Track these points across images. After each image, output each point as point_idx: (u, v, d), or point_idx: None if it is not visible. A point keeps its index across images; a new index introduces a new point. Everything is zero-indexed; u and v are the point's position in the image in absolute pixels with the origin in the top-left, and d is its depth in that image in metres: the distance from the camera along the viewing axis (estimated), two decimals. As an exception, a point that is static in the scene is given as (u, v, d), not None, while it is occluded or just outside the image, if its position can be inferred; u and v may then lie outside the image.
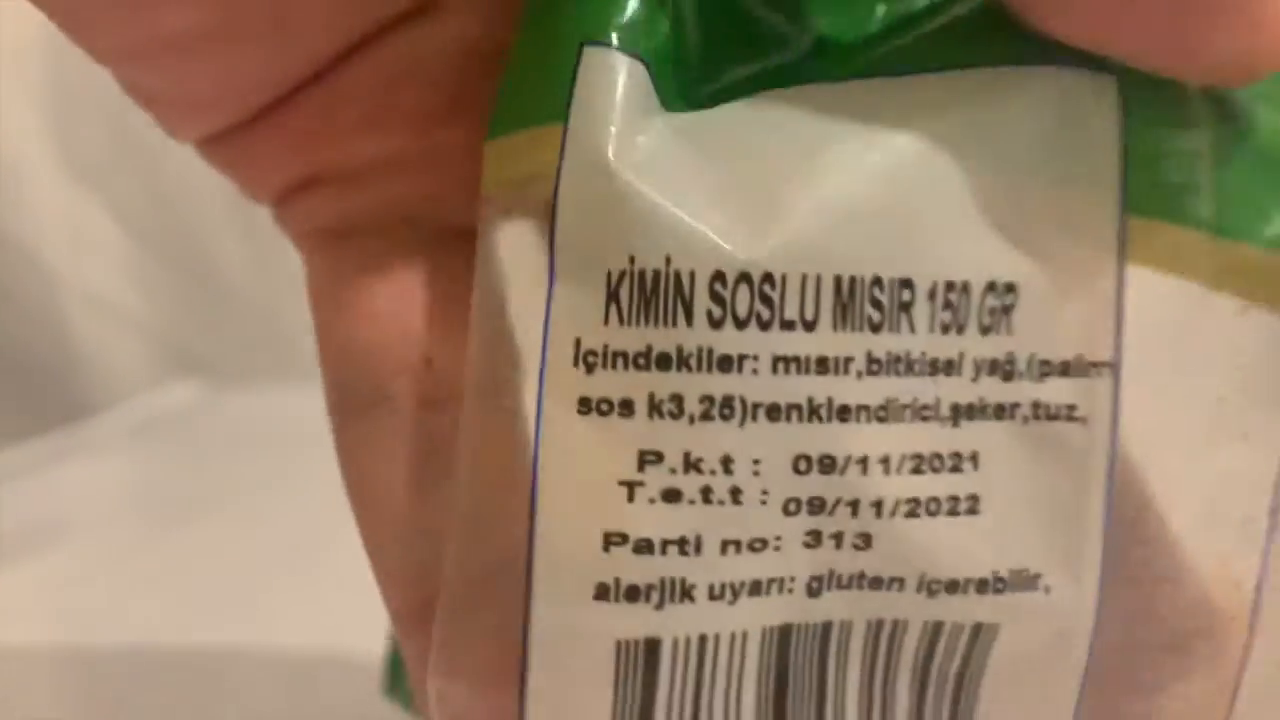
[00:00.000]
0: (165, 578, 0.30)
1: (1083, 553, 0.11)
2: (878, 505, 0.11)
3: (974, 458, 0.11)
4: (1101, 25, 0.10)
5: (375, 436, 0.12)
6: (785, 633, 0.11)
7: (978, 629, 0.11)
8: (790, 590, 0.11)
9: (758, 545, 0.11)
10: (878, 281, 0.11)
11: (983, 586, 0.11)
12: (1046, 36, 0.10)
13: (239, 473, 0.37)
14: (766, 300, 0.11)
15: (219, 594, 0.28)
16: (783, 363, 0.11)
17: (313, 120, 0.12)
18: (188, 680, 0.25)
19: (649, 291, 0.11)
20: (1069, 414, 0.11)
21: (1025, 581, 0.11)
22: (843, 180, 0.11)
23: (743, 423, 0.11)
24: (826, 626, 0.11)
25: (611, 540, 0.11)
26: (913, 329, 0.11)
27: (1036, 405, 0.11)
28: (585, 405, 0.11)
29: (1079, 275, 0.11)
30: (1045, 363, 0.11)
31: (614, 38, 0.11)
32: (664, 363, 0.11)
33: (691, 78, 0.12)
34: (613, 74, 0.11)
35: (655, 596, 0.11)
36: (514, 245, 0.11)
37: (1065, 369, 0.11)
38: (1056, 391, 0.11)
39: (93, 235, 0.45)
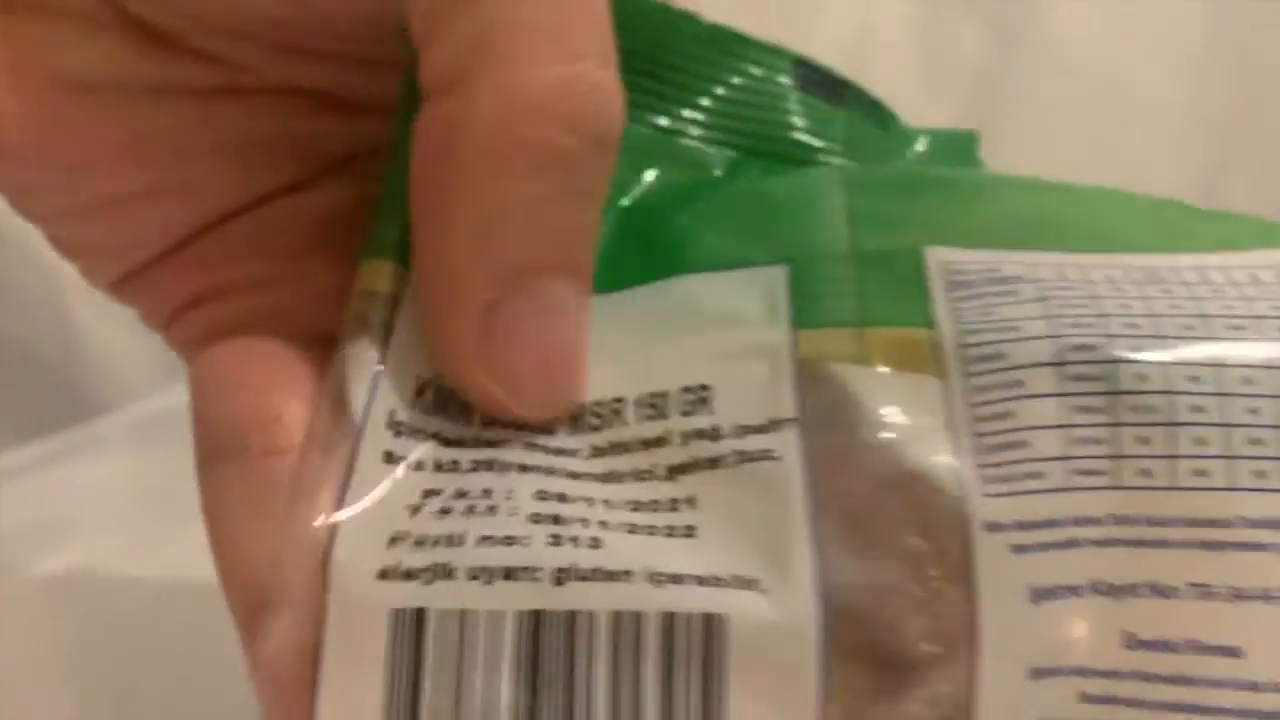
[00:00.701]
0: (168, 578, 0.30)
1: (791, 560, 0.14)
2: (603, 523, 0.14)
3: (690, 500, 0.14)
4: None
5: (231, 478, 0.15)
6: (536, 616, 0.13)
7: (708, 619, 0.13)
8: (539, 579, 0.13)
9: (509, 541, 0.14)
10: (598, 403, 0.15)
11: (703, 581, 0.13)
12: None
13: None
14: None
15: (222, 594, 0.28)
16: (532, 446, 0.15)
17: (207, 258, 0.17)
18: (189, 680, 0.25)
19: (445, 395, 0.15)
20: (767, 455, 0.14)
21: (744, 584, 0.14)
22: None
23: (500, 474, 0.14)
24: (572, 614, 0.13)
25: (396, 539, 0.14)
26: (624, 423, 0.15)
27: (740, 453, 0.14)
28: (389, 457, 0.15)
29: (761, 375, 0.15)
30: (744, 427, 0.15)
31: None
32: (448, 442, 0.15)
33: None
34: None
35: (425, 576, 0.13)
36: (361, 339, 0.15)
37: (762, 429, 0.15)
38: (756, 442, 0.14)
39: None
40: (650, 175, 0.19)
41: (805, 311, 0.16)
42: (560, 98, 0.14)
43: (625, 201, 0.19)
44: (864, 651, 0.14)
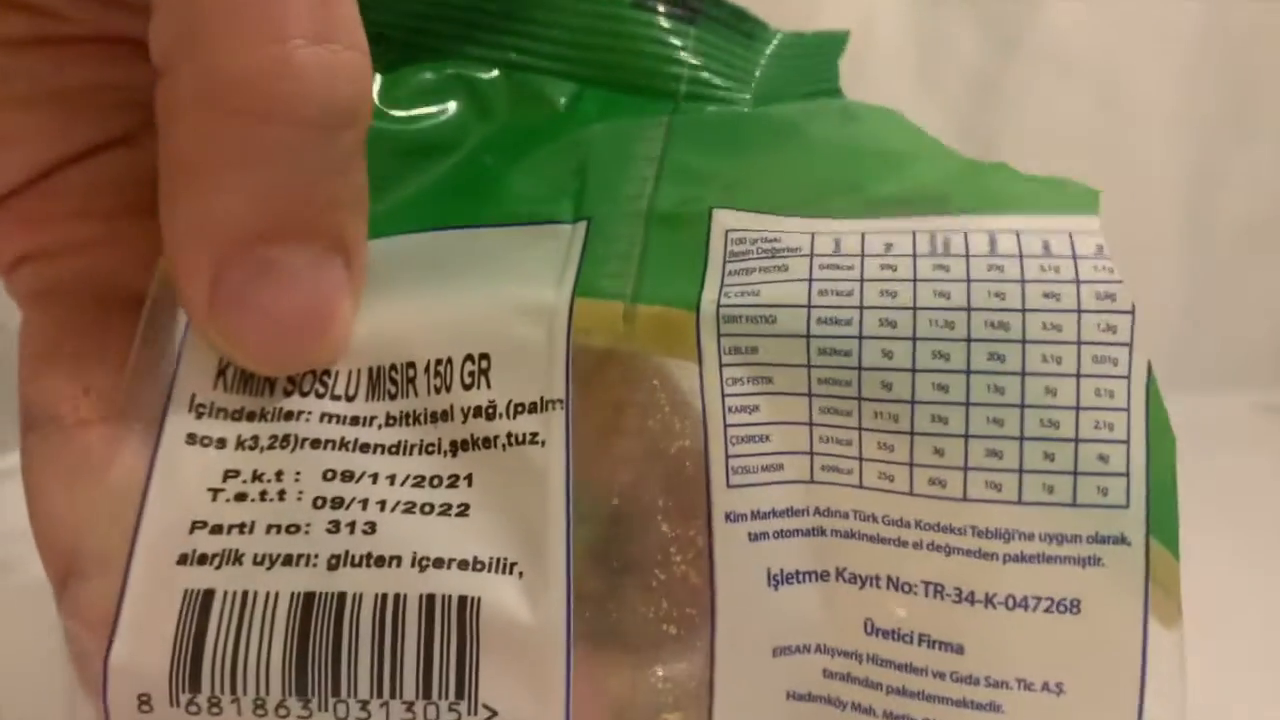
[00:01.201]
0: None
1: (547, 543, 0.15)
2: (382, 504, 0.15)
3: (469, 477, 0.15)
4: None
5: (44, 447, 0.16)
6: (309, 598, 0.14)
7: (463, 600, 0.14)
8: (314, 564, 0.15)
9: (292, 528, 0.15)
10: (394, 366, 0.16)
11: (464, 565, 0.15)
12: None
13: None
14: (324, 381, 0.16)
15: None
16: (328, 417, 0.16)
17: (30, 216, 0.17)
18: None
19: (246, 372, 0.16)
20: (533, 439, 0.15)
21: (503, 566, 0.15)
22: (373, 304, 0.16)
23: (293, 451, 0.15)
24: (341, 596, 0.14)
25: (196, 526, 0.15)
26: (415, 393, 0.16)
27: (510, 435, 0.15)
28: (191, 438, 0.15)
29: (538, 343, 0.15)
30: (517, 404, 0.15)
31: None
32: (250, 417, 0.16)
33: None
34: None
35: (217, 561, 0.15)
36: (163, 319, 0.16)
37: (533, 407, 0.15)
38: (525, 424, 0.15)
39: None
40: (496, 114, 0.19)
41: (589, 277, 0.16)
42: (258, 80, 0.14)
43: (474, 141, 0.19)
44: (609, 632, 0.15)
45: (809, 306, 0.15)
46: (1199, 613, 0.14)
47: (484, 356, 0.16)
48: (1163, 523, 0.14)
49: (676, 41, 0.19)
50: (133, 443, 0.15)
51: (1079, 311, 0.15)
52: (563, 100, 0.19)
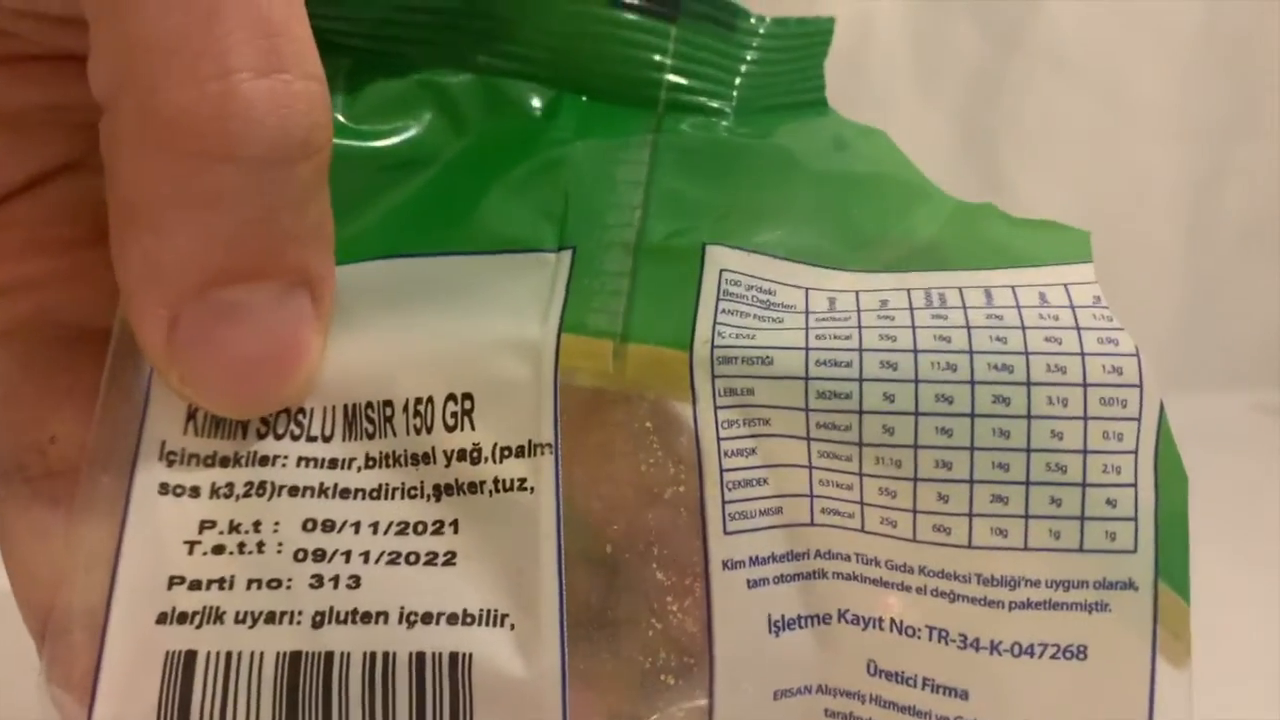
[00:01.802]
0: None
1: (539, 593, 0.14)
2: (365, 555, 0.14)
3: (454, 523, 0.15)
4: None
5: (13, 501, 0.15)
6: (295, 657, 0.14)
7: (454, 657, 0.14)
8: (299, 622, 0.14)
9: (274, 584, 0.14)
10: (370, 405, 0.15)
11: (454, 619, 0.14)
12: None
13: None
14: (298, 422, 0.15)
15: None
16: (305, 461, 0.15)
17: None
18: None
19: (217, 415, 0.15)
20: (521, 486, 0.15)
21: (493, 619, 0.14)
22: (345, 337, 0.15)
23: (270, 499, 0.15)
24: (329, 655, 0.14)
25: (174, 582, 0.14)
26: (394, 434, 0.15)
27: (498, 481, 0.15)
28: (164, 488, 0.15)
29: (524, 382, 0.15)
30: (504, 448, 0.15)
31: None
32: (224, 462, 0.15)
33: None
34: None
35: (197, 619, 0.14)
36: (127, 364, 0.15)
37: (520, 451, 0.15)
38: (513, 469, 0.15)
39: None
40: (469, 125, 0.18)
41: (575, 311, 0.15)
42: (202, 119, 0.13)
43: (447, 155, 0.17)
44: (606, 680, 0.14)
45: (806, 349, 0.15)
46: (1198, 614, 0.14)
47: (467, 396, 0.15)
48: (1172, 565, 0.14)
49: (655, 43, 0.18)
50: (103, 495, 0.15)
51: (1082, 354, 0.14)
52: (538, 106, 0.18)
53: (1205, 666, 0.15)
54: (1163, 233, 0.49)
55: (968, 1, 0.47)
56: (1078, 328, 0.14)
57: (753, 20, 0.19)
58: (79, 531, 0.15)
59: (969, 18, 0.47)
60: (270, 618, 0.14)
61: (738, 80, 0.19)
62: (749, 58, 0.19)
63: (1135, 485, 0.14)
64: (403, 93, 0.18)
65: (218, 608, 0.14)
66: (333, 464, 0.15)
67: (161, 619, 0.14)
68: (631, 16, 0.18)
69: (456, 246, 0.16)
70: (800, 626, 0.15)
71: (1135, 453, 0.14)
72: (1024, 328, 0.14)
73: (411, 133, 0.18)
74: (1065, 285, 0.15)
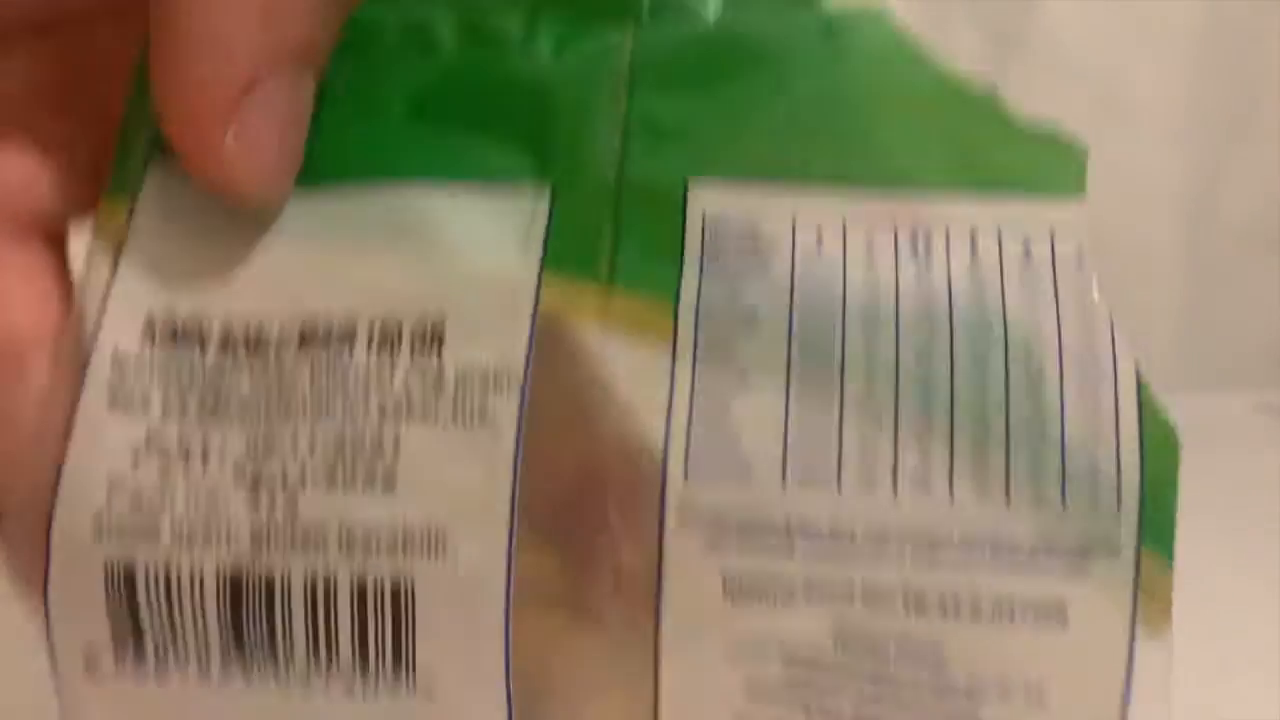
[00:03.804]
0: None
1: (490, 514, 0.14)
2: (301, 480, 0.14)
3: (396, 443, 0.14)
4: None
5: None
6: (236, 579, 0.14)
7: (396, 583, 0.14)
8: (238, 541, 0.14)
9: (212, 500, 0.14)
10: (329, 327, 0.15)
11: (393, 544, 0.14)
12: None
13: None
14: (253, 340, 0.15)
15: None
16: (257, 370, 0.15)
17: None
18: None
19: (178, 327, 0.15)
20: (480, 415, 0.14)
21: (435, 539, 0.14)
22: (311, 259, 0.15)
23: (219, 421, 0.15)
24: (270, 578, 0.14)
25: (114, 488, 0.15)
26: (352, 355, 0.15)
27: (457, 406, 0.15)
28: (114, 398, 0.15)
29: (501, 316, 0.15)
30: (470, 376, 0.15)
31: None
32: (176, 379, 0.15)
33: None
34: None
35: (133, 533, 0.14)
36: (92, 279, 0.15)
37: (485, 381, 0.15)
38: (476, 398, 0.14)
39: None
40: (441, 50, 0.17)
41: (557, 251, 0.15)
42: None
43: (414, 77, 0.17)
44: (550, 600, 0.15)
45: (790, 305, 0.15)
46: (1197, 614, 0.14)
47: (436, 325, 0.15)
48: (1158, 530, 0.14)
49: None
50: (53, 400, 0.15)
51: (1058, 315, 0.14)
52: (516, 19, 0.17)
53: (1206, 665, 0.15)
54: (1163, 233, 0.49)
55: (968, 1, 0.47)
56: (1055, 283, 0.15)
57: None
58: (26, 430, 0.15)
59: (969, 18, 0.47)
60: (207, 536, 0.14)
61: None
62: None
63: (1117, 448, 0.14)
64: (378, 20, 0.17)
65: (154, 524, 0.14)
66: (281, 380, 0.15)
67: (97, 526, 0.14)
68: None
69: (429, 173, 0.16)
70: (760, 589, 0.14)
71: (1115, 415, 0.14)
72: (1003, 284, 0.15)
73: (381, 56, 0.17)
74: (1051, 230, 0.15)
